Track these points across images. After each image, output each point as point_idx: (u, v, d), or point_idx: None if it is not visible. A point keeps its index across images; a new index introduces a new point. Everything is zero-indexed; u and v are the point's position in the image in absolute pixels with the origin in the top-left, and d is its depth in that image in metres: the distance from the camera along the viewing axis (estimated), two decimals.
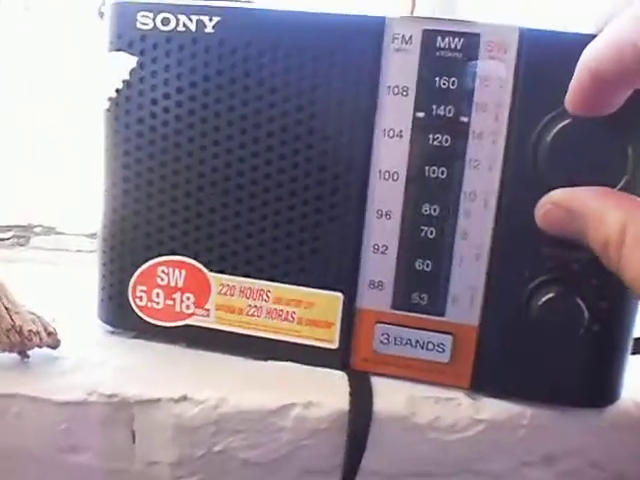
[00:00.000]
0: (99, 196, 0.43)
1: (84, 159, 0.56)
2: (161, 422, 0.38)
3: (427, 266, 0.40)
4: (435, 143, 0.38)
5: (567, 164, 0.36)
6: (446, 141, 0.38)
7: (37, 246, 0.60)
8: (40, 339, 0.40)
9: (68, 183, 0.59)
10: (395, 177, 0.39)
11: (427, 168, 0.38)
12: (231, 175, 0.41)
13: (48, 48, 0.60)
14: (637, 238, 0.29)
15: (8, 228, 0.59)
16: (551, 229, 0.35)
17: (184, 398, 0.38)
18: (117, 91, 0.41)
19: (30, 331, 0.39)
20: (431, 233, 0.39)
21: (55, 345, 0.41)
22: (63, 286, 0.53)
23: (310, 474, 0.39)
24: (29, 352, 0.41)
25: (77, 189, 0.58)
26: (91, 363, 0.41)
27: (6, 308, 0.39)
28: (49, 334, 0.41)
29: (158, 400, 0.38)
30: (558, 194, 0.34)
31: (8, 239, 0.59)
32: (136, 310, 0.44)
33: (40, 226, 0.60)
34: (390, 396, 0.39)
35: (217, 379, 0.40)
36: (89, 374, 0.40)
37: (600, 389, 0.40)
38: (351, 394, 0.39)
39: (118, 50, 0.40)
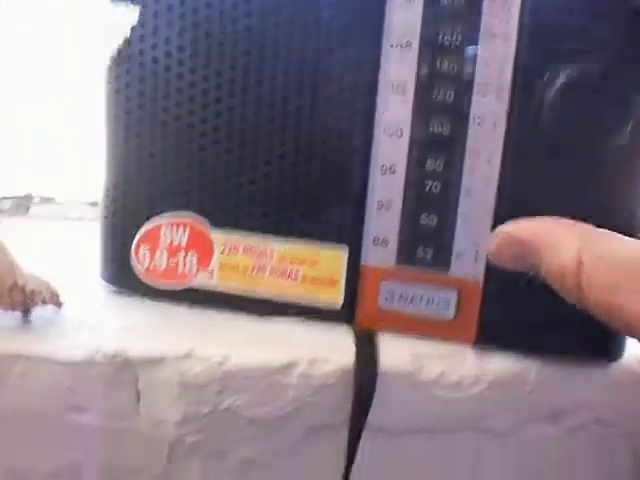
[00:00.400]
0: (100, 158, 0.43)
1: (84, 127, 0.56)
2: (166, 380, 0.38)
3: (432, 221, 0.39)
4: (439, 99, 0.38)
5: (571, 118, 0.36)
6: (449, 97, 0.38)
7: (37, 215, 0.59)
8: (43, 298, 0.40)
9: (68, 152, 0.58)
10: (399, 133, 0.39)
11: (431, 124, 0.38)
12: (233, 133, 0.40)
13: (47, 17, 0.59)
14: (595, 266, 0.28)
15: (7, 198, 0.59)
16: (505, 263, 0.33)
17: (188, 355, 0.38)
18: (118, 50, 0.41)
19: (33, 290, 0.39)
20: (436, 187, 0.39)
21: (58, 305, 0.41)
22: (64, 253, 0.52)
23: (317, 431, 0.39)
24: (32, 313, 0.40)
25: (77, 158, 0.57)
26: (94, 323, 0.41)
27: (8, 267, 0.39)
28: (52, 294, 0.40)
29: (162, 358, 0.38)
30: (509, 227, 0.33)
31: (7, 209, 0.59)
32: (139, 271, 0.43)
33: (40, 196, 0.59)
34: (395, 352, 0.39)
35: (221, 336, 0.40)
36: (93, 334, 0.40)
37: (606, 344, 0.40)
38: (357, 350, 0.39)
39: (120, 1, 0.40)
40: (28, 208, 0.59)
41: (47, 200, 0.59)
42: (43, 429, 0.39)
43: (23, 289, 0.39)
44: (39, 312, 0.40)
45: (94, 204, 0.58)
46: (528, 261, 0.32)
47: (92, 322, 0.41)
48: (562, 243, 0.30)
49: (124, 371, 0.38)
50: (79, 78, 0.58)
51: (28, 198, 0.59)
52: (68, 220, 0.60)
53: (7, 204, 0.59)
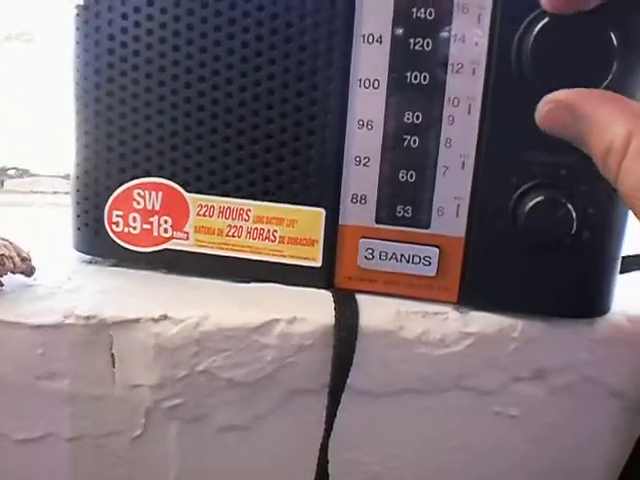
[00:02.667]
0: (70, 123, 0.42)
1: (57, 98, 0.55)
2: (141, 343, 0.37)
3: (411, 177, 0.38)
4: (416, 48, 0.37)
5: (552, 63, 0.35)
6: (427, 45, 0.37)
7: (11, 190, 0.58)
8: (14, 264, 0.39)
9: (42, 125, 0.57)
10: (376, 85, 0.38)
11: (409, 74, 0.37)
12: (205, 90, 0.39)
13: None
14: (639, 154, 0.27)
15: None
16: (552, 129, 0.32)
17: (164, 317, 0.37)
18: (85, 7, 0.40)
19: (2, 255, 0.38)
20: (414, 142, 0.38)
21: (29, 272, 0.40)
22: (38, 226, 0.51)
23: (297, 393, 0.38)
24: (2, 280, 0.39)
25: (51, 130, 0.56)
26: (67, 289, 0.40)
27: None
28: (23, 259, 0.39)
29: (137, 320, 0.37)
30: (564, 94, 0.31)
31: None
32: (113, 236, 0.42)
33: (14, 168, 0.58)
34: (376, 311, 0.38)
35: (198, 299, 0.39)
36: (65, 299, 0.39)
37: (591, 299, 0.39)
38: (336, 309, 0.38)
39: None
40: (2, 182, 0.58)
41: (22, 172, 0.58)
42: (15, 398, 0.38)
43: None
44: (10, 279, 0.39)
45: (68, 177, 0.57)
46: (576, 130, 0.30)
47: (65, 287, 0.40)
48: (616, 119, 0.28)
49: (98, 334, 0.37)
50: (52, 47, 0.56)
51: (2, 171, 0.58)
52: (44, 194, 0.58)
53: None
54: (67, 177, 0.55)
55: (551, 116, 0.31)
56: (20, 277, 0.40)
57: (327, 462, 0.37)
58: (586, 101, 0.30)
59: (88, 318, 0.37)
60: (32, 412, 0.38)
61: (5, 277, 0.39)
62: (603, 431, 0.41)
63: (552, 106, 0.31)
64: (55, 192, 0.57)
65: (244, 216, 0.40)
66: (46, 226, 0.51)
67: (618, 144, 0.28)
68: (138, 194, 0.41)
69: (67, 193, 0.54)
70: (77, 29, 0.40)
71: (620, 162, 0.28)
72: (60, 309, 0.37)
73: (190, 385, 0.37)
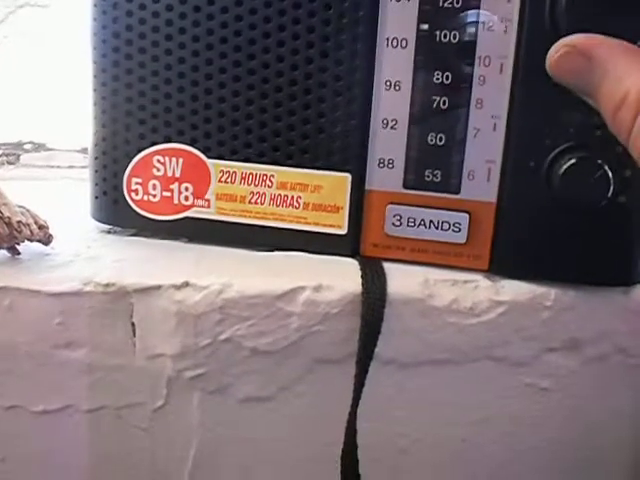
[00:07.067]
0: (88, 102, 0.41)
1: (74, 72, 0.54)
2: (162, 311, 0.36)
3: (440, 140, 0.37)
4: (446, 5, 0.36)
5: (587, 19, 0.33)
6: (457, 2, 0.36)
7: (28, 164, 0.57)
8: (31, 231, 0.38)
9: (58, 98, 0.56)
10: (404, 44, 0.36)
11: (438, 32, 0.36)
12: (227, 51, 0.38)
13: None
14: None
15: None
16: (563, 75, 0.30)
17: (186, 284, 0.36)
18: None
19: (20, 222, 0.37)
20: (444, 103, 0.37)
21: (47, 240, 0.39)
22: (55, 199, 0.50)
23: (322, 363, 0.37)
24: (20, 248, 0.38)
25: (68, 104, 0.55)
26: (86, 257, 0.39)
27: None
28: (40, 227, 0.38)
29: (158, 287, 0.36)
30: (580, 38, 0.29)
31: None
32: (132, 204, 0.41)
33: (30, 142, 0.57)
34: (404, 279, 0.37)
35: (220, 267, 0.38)
36: (84, 267, 0.38)
37: (627, 266, 0.38)
38: (363, 277, 0.37)
39: None
40: (19, 157, 0.57)
41: (38, 146, 0.57)
42: (32, 367, 0.37)
43: (9, 222, 0.37)
44: (27, 247, 0.38)
45: (84, 151, 0.56)
46: (588, 80, 0.28)
47: (84, 256, 0.39)
48: (632, 71, 0.27)
49: (118, 302, 0.36)
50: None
51: (19, 145, 0.57)
52: (60, 168, 0.58)
53: None
54: (83, 151, 0.54)
55: (564, 61, 0.30)
56: (37, 246, 0.39)
57: (355, 432, 0.36)
58: (603, 49, 0.28)
59: (107, 285, 0.36)
60: (50, 383, 0.37)
61: (22, 245, 0.38)
62: (637, 403, 0.40)
63: (567, 50, 0.29)
64: (71, 166, 0.56)
65: (267, 182, 0.39)
66: (63, 199, 0.50)
67: (634, 97, 0.26)
68: (158, 161, 0.40)
69: (83, 167, 0.53)
70: None
71: (635, 117, 0.26)
72: (79, 277, 0.36)
73: (213, 354, 0.36)
